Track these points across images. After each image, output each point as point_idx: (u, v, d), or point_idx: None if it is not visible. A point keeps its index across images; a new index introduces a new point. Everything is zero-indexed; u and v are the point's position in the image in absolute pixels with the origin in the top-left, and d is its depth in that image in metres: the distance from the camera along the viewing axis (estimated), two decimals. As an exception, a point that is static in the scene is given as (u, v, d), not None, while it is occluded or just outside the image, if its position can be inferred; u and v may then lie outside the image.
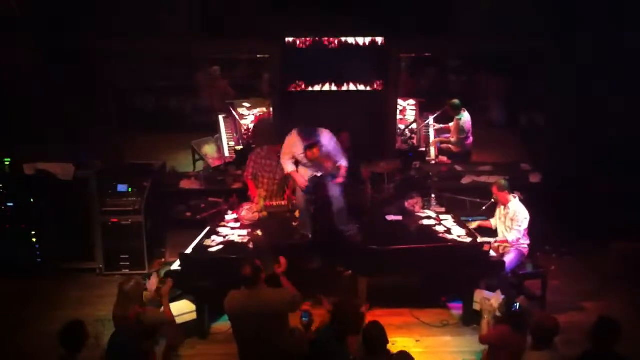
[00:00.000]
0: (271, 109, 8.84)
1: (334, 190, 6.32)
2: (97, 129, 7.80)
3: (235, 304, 4.59)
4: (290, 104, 8.19)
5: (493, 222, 6.62)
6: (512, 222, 6.25)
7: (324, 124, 6.29)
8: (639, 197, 7.37)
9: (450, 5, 8.04)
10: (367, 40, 7.99)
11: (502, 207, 6.43)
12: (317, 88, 8.14)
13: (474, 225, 6.63)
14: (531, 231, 6.33)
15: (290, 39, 7.98)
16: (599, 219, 7.36)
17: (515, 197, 6.35)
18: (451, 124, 9.24)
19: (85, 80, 7.67)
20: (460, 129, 9.02)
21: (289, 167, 6.25)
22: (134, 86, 12.05)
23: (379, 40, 7.99)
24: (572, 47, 7.75)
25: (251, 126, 9.34)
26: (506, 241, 6.27)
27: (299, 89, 8.14)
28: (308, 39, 7.97)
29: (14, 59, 7.42)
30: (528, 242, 6.33)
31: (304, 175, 6.29)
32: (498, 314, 4.95)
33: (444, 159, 9.05)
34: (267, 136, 7.17)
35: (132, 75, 11.58)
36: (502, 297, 5.36)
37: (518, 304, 4.85)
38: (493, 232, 6.55)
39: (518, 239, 6.23)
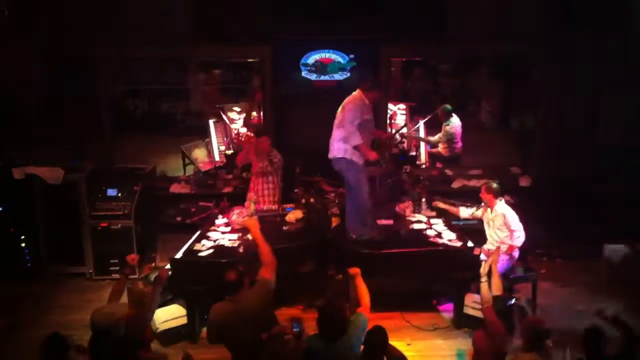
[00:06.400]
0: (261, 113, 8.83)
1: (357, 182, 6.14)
2: (87, 132, 7.76)
3: (221, 317, 4.52)
4: (281, 107, 8.17)
5: (462, 212, 6.63)
6: (505, 227, 6.19)
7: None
8: (632, 200, 7.40)
9: (444, 8, 8.01)
10: (358, 43, 7.98)
11: (489, 210, 6.40)
12: (306, 92, 8.12)
13: (441, 205, 6.70)
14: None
15: (282, 42, 7.96)
16: (590, 222, 7.38)
17: (501, 200, 6.33)
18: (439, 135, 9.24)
19: (77, 84, 7.65)
20: (447, 135, 9.03)
21: (358, 138, 5.94)
22: (125, 89, 12.04)
23: (371, 43, 7.98)
24: (572, 48, 7.77)
25: (242, 130, 9.31)
26: (515, 247, 6.15)
27: (289, 93, 8.12)
28: (299, 39, 7.97)
29: (5, 63, 7.39)
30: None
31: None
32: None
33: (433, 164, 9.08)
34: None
35: (123, 78, 11.59)
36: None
37: (514, 299, 4.83)
38: (480, 234, 6.52)
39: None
